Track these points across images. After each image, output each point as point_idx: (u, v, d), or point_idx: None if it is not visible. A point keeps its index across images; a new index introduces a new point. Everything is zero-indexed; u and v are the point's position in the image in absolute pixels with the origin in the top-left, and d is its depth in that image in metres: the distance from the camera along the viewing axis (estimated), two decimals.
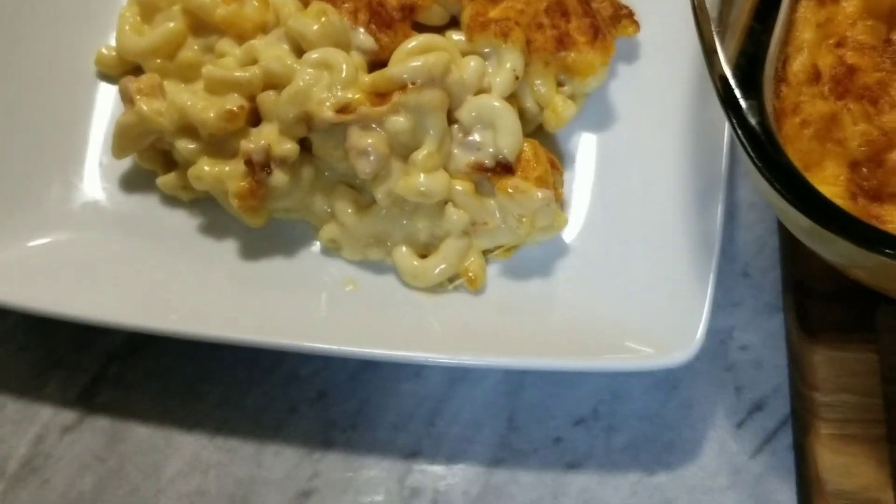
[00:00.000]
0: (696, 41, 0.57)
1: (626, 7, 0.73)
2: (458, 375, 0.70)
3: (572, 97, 0.72)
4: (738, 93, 0.55)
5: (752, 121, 0.54)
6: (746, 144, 0.54)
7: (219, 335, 0.65)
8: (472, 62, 0.68)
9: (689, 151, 0.69)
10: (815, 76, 0.59)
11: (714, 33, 0.56)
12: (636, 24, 0.73)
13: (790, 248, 0.70)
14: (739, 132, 0.54)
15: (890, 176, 0.56)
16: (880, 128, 0.57)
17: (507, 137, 0.67)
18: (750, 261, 0.72)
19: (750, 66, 0.56)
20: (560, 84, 0.71)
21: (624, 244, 0.68)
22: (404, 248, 0.69)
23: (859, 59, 0.58)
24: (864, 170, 0.57)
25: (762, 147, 0.54)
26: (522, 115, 0.70)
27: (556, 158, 0.71)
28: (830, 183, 0.57)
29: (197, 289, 0.69)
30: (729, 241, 0.72)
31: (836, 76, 0.58)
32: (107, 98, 0.75)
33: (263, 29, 0.72)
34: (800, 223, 0.54)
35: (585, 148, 0.73)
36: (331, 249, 0.70)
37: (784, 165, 0.53)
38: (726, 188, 0.67)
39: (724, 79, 0.55)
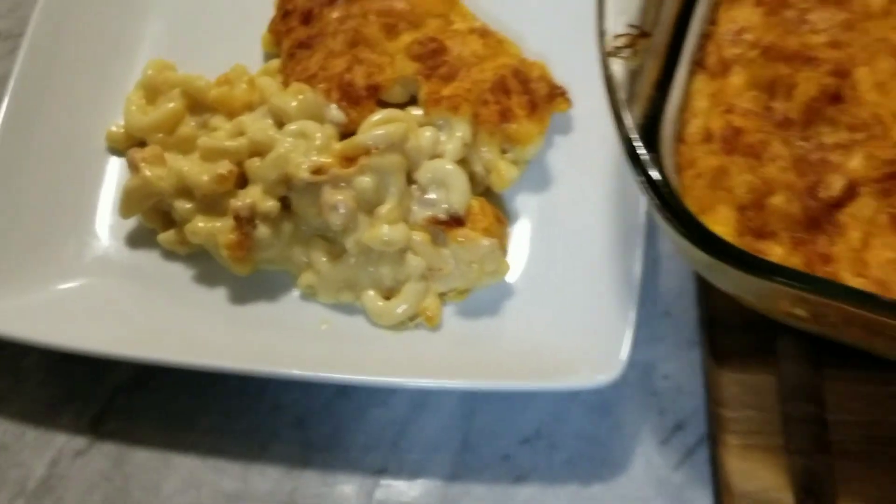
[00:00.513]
0: None
1: (560, 87, 0.84)
2: (419, 402, 0.79)
3: (515, 162, 0.82)
4: (639, 149, 0.63)
5: (652, 171, 0.63)
6: (648, 191, 0.63)
7: (211, 364, 0.74)
8: (428, 132, 0.80)
9: (613, 208, 0.80)
10: (707, 137, 0.68)
11: (622, 102, 0.67)
12: (568, 102, 0.83)
13: (703, 289, 0.80)
14: (642, 180, 0.63)
15: (769, 217, 0.65)
16: (761, 178, 0.66)
17: (457, 195, 0.78)
18: (671, 303, 0.82)
19: (651, 126, 0.65)
20: (504, 151, 0.82)
21: (560, 286, 0.79)
22: (371, 292, 0.79)
23: (744, 122, 0.68)
24: (749, 212, 0.66)
25: (660, 193, 0.62)
26: (473, 177, 0.81)
27: (502, 214, 0.81)
28: (722, 224, 0.66)
29: (192, 328, 0.78)
30: (653, 286, 0.82)
31: (725, 136, 0.68)
32: (115, 168, 0.86)
33: (250, 107, 0.83)
34: (697, 257, 0.64)
35: (527, 205, 0.83)
36: (308, 294, 0.80)
37: (679, 208, 0.62)
38: (645, 238, 0.77)
39: (628, 138, 0.64)
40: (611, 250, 0.78)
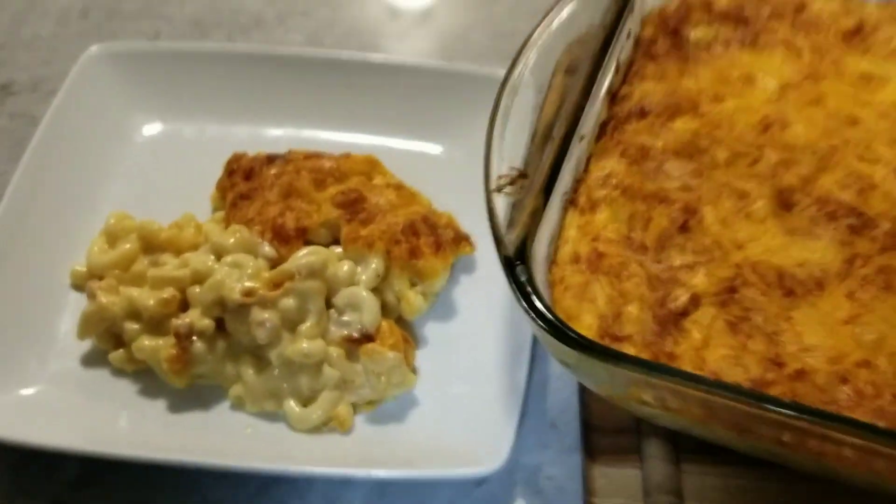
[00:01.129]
0: None
1: (465, 234, 0.98)
2: (333, 496, 0.88)
3: (424, 295, 0.94)
4: (514, 262, 0.74)
5: (521, 276, 0.74)
6: (519, 296, 0.73)
7: (146, 456, 0.83)
8: (346, 265, 0.92)
9: (505, 332, 0.93)
10: (576, 259, 0.80)
11: (503, 229, 0.79)
12: (472, 246, 0.97)
13: (583, 401, 0.91)
14: (514, 288, 0.74)
15: (625, 323, 0.76)
16: (619, 292, 0.78)
17: (369, 316, 0.90)
18: (557, 415, 0.92)
19: (524, 246, 0.76)
20: (413, 284, 0.94)
21: (458, 397, 0.90)
22: (291, 401, 0.89)
23: (606, 248, 0.80)
24: (608, 319, 0.77)
25: (529, 297, 0.73)
26: (386, 306, 0.93)
27: (409, 336, 0.93)
28: (585, 329, 0.76)
29: (134, 431, 0.88)
30: (542, 402, 0.92)
31: (591, 259, 0.80)
32: (76, 301, 0.97)
33: (196, 247, 0.95)
34: (560, 352, 0.75)
35: (434, 331, 0.95)
36: (237, 404, 0.90)
37: (543, 309, 0.72)
38: (530, 359, 0.89)
39: (506, 255, 0.75)
40: (502, 368, 0.91)
